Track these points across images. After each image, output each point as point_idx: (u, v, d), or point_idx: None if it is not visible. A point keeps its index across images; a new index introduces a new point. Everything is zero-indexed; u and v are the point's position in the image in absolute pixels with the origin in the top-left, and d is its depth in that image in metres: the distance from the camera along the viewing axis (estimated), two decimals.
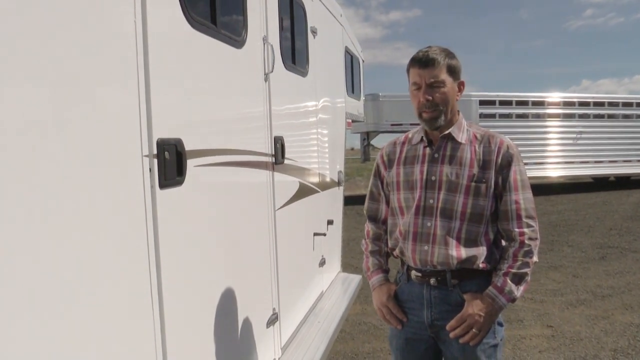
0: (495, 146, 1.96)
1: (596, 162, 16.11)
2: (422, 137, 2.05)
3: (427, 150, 2.03)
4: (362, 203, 2.38)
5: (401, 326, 2.08)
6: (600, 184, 17.69)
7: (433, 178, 1.97)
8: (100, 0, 1.38)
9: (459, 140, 1.98)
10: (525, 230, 1.92)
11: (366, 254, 2.24)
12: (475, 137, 2.00)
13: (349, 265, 6.27)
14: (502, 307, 1.93)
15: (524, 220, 1.93)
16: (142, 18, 1.52)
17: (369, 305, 5.40)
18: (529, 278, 1.94)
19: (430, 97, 1.92)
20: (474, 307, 1.91)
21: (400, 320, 2.08)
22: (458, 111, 2.05)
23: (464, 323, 1.92)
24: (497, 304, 1.91)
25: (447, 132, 1.99)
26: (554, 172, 15.87)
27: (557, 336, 4.45)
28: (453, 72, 1.95)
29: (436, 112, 1.94)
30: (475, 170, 1.94)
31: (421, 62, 1.92)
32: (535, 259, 1.93)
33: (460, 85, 2.01)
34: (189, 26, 1.81)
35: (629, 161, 16.39)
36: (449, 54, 1.95)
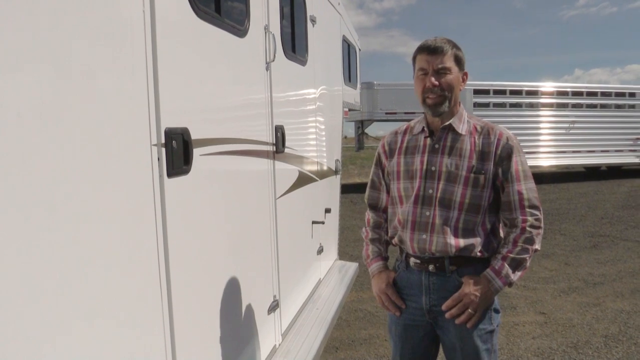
0: (494, 138, 1.99)
1: (588, 151, 16.21)
2: (424, 127, 2.08)
3: (428, 140, 2.05)
4: (356, 192, 2.42)
5: (400, 313, 2.12)
6: (592, 173, 17.84)
7: (433, 168, 2.01)
8: None
9: (460, 131, 2.01)
10: (529, 218, 1.96)
11: (366, 242, 2.28)
12: (476, 128, 2.03)
13: (344, 253, 6.33)
14: (498, 290, 1.97)
15: (527, 209, 1.96)
16: (151, 7, 1.53)
17: (364, 293, 5.47)
18: (527, 264, 1.97)
19: (437, 83, 1.95)
20: (470, 287, 1.95)
21: (399, 307, 2.12)
22: (459, 102, 2.08)
23: (460, 302, 1.95)
24: (493, 286, 1.95)
25: (448, 123, 2.02)
26: (546, 161, 15.97)
27: (549, 323, 4.53)
28: (459, 62, 1.99)
29: (441, 98, 1.97)
30: (475, 161, 1.97)
31: (430, 49, 1.96)
32: (536, 246, 1.96)
33: (464, 76, 2.04)
34: (194, 15, 1.81)
35: (621, 151, 16.52)
36: (455, 45, 2.00)
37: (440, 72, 1.96)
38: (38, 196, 1.12)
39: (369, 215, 2.30)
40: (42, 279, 1.13)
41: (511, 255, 1.95)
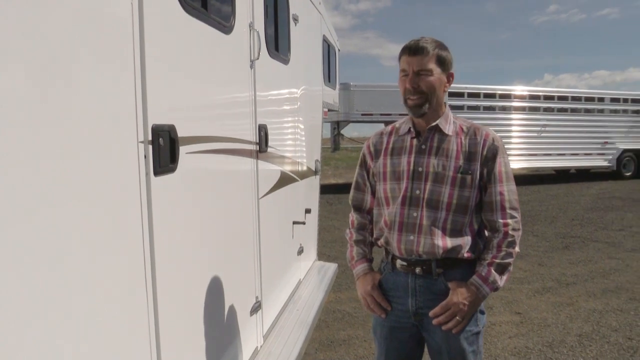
0: (480, 138, 2.00)
1: (559, 154, 16.58)
2: (410, 128, 2.07)
3: (415, 141, 2.05)
4: (331, 192, 2.40)
5: (385, 315, 2.11)
6: (562, 176, 18.26)
7: (420, 169, 2.00)
8: None
9: (446, 132, 2.01)
10: (509, 221, 1.97)
11: (350, 243, 2.25)
12: (462, 129, 2.03)
13: (321, 253, 6.31)
14: (485, 296, 1.98)
15: (508, 211, 1.98)
16: (139, 1, 1.48)
17: (342, 294, 5.46)
18: (511, 268, 1.99)
19: (415, 85, 1.94)
20: (458, 296, 1.95)
21: (385, 309, 2.11)
22: (445, 103, 2.07)
23: (448, 311, 1.96)
24: (480, 293, 1.96)
25: (434, 123, 2.02)
26: (518, 163, 16.27)
27: (525, 322, 4.60)
28: (442, 62, 1.97)
29: (421, 99, 1.96)
30: (461, 162, 1.98)
31: (411, 50, 1.95)
32: (517, 249, 1.98)
33: (450, 77, 2.03)
34: (182, 10, 1.77)
35: (590, 154, 16.94)
36: (440, 45, 1.98)
37: (421, 74, 1.94)
38: (21, 195, 1.07)
39: (353, 216, 2.27)
40: (24, 279, 1.08)
41: (496, 260, 1.96)
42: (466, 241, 1.99)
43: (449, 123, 2.03)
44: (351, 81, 14.76)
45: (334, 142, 16.25)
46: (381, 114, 14.20)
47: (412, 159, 2.02)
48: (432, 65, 1.95)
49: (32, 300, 1.10)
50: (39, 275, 1.12)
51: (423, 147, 2.02)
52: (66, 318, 1.22)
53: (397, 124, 2.17)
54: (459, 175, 1.96)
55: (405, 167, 2.02)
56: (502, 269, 1.96)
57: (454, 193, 1.96)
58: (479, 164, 1.98)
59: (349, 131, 16.34)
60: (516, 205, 2.01)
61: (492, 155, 1.98)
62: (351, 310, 4.94)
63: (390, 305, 2.10)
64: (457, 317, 1.95)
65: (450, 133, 2.01)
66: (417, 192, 1.99)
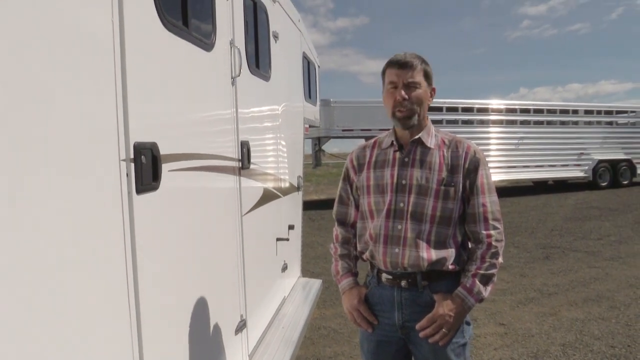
0: (462, 151, 2.03)
1: (537, 166, 16.87)
2: (392, 141, 2.08)
3: (398, 154, 2.06)
4: (313, 209, 2.39)
5: (372, 329, 2.10)
6: (540, 187, 18.53)
7: (404, 182, 2.01)
8: (77, 0, 1.32)
9: (428, 145, 2.04)
10: (492, 232, 1.99)
11: (335, 258, 2.24)
12: (444, 142, 2.06)
13: (305, 270, 6.27)
14: (471, 307, 1.99)
15: (491, 222, 2.00)
16: (120, 18, 1.47)
17: (327, 310, 5.43)
18: (495, 278, 2.00)
19: (407, 96, 1.97)
20: (444, 308, 1.95)
21: (371, 323, 2.10)
22: (427, 117, 2.10)
23: (435, 323, 1.95)
24: (466, 305, 1.96)
25: (417, 137, 2.04)
26: (497, 176, 16.49)
27: (509, 333, 4.62)
28: (427, 77, 2.02)
29: (410, 111, 1.99)
30: (444, 174, 2.00)
31: (400, 63, 1.98)
32: (500, 260, 2.00)
33: (432, 92, 2.07)
34: (163, 28, 1.77)
35: (567, 165, 17.26)
36: (424, 60, 2.03)
37: (410, 86, 1.98)
38: (1, 213, 1.04)
39: (337, 231, 2.27)
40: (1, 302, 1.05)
41: (480, 272, 1.97)
42: (450, 253, 2.00)
43: (431, 136, 2.06)
44: (331, 97, 14.87)
45: (316, 158, 16.28)
46: (361, 129, 14.29)
47: (396, 172, 2.03)
48: (420, 79, 1.99)
49: (8, 328, 1.07)
50: (16, 300, 1.09)
51: (406, 159, 2.03)
52: (48, 340, 1.18)
53: (379, 138, 2.19)
54: (442, 187, 1.98)
55: (389, 180, 2.03)
56: (486, 280, 1.97)
57: (438, 205, 1.98)
58: (461, 176, 2.00)
59: (329, 147, 16.43)
60: (498, 216, 2.03)
61: (474, 167, 2.01)
62: (337, 326, 4.91)
63: (377, 320, 2.09)
64: (444, 330, 1.95)
65: (432, 146, 2.04)
66: (401, 204, 2.00)
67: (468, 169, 2.01)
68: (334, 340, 4.61)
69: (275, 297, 3.67)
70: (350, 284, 2.18)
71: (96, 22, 1.40)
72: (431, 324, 1.96)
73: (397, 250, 1.99)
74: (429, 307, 1.99)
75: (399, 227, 2.00)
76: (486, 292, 1.98)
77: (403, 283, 2.02)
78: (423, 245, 1.97)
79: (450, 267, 2.00)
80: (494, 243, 1.98)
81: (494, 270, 1.98)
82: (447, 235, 2.00)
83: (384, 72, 2.06)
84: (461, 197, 2.01)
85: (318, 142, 15.84)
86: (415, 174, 2.00)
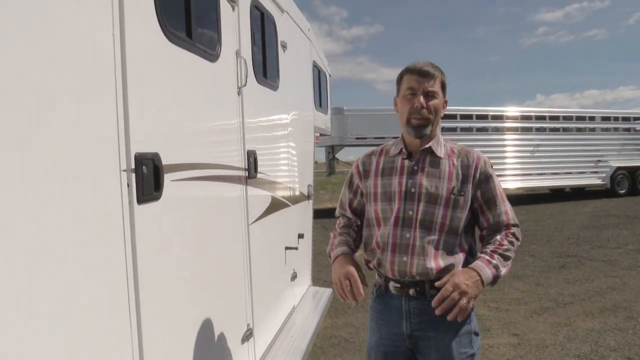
0: (472, 161, 2.02)
1: (552, 174, 16.66)
2: (402, 148, 2.07)
3: (406, 162, 2.05)
4: (328, 217, 2.38)
5: (356, 302, 1.98)
6: (557, 194, 18.29)
7: (413, 190, 2.00)
8: (78, 12, 1.35)
9: (438, 154, 2.03)
10: (513, 229, 2.03)
11: (333, 235, 2.20)
12: (453, 151, 2.06)
13: (317, 278, 6.26)
14: (487, 281, 1.88)
15: (512, 228, 2.04)
16: (120, 30, 1.50)
17: (339, 319, 5.40)
18: (510, 263, 1.96)
19: (425, 104, 1.97)
20: (459, 277, 1.85)
21: (355, 297, 1.96)
22: (437, 127, 2.10)
23: (452, 293, 1.83)
24: (483, 275, 1.87)
25: (427, 145, 2.03)
26: (513, 183, 16.33)
27: (523, 344, 4.55)
28: (444, 88, 2.04)
29: (426, 120, 1.99)
30: (454, 183, 1.99)
31: (421, 71, 1.99)
32: (514, 254, 1.98)
33: (445, 103, 2.08)
34: (165, 39, 1.79)
35: (583, 173, 17.02)
36: (442, 72, 2.04)
37: (429, 95, 1.98)
38: (3, 222, 1.06)
39: (340, 221, 2.25)
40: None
41: (499, 250, 1.94)
42: (458, 260, 1.98)
43: (441, 146, 2.06)
44: (345, 105, 14.90)
45: (329, 166, 16.31)
46: (375, 137, 14.28)
47: (404, 180, 2.02)
48: (438, 89, 2.00)
49: (8, 339, 1.08)
50: (15, 312, 1.10)
51: (415, 167, 2.03)
52: (47, 353, 1.19)
53: (386, 146, 2.19)
54: (452, 196, 1.98)
55: (397, 188, 2.02)
56: (504, 258, 1.94)
57: (447, 214, 1.97)
58: (471, 186, 2.00)
59: (343, 155, 16.44)
60: (517, 221, 2.07)
61: (484, 177, 2.02)
62: (348, 335, 4.88)
63: (363, 295, 1.97)
64: (463, 300, 1.83)
65: (442, 155, 2.04)
66: (410, 212, 1.99)
67: (479, 180, 2.01)
68: (345, 349, 4.59)
69: (284, 306, 3.67)
70: (343, 251, 2.09)
71: (96, 35, 1.42)
72: (448, 295, 1.83)
73: (405, 258, 1.98)
74: (437, 316, 1.97)
75: (407, 235, 1.98)
76: (503, 268, 1.91)
77: (411, 291, 2.00)
78: (431, 253, 1.96)
79: None
80: (512, 232, 2.01)
81: (510, 254, 1.95)
82: (455, 244, 1.99)
83: (400, 78, 2.05)
84: (470, 207, 2.01)
85: (332, 150, 15.87)
86: (425, 182, 1.99)
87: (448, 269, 1.96)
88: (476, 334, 2.04)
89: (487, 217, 2.04)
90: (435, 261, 1.95)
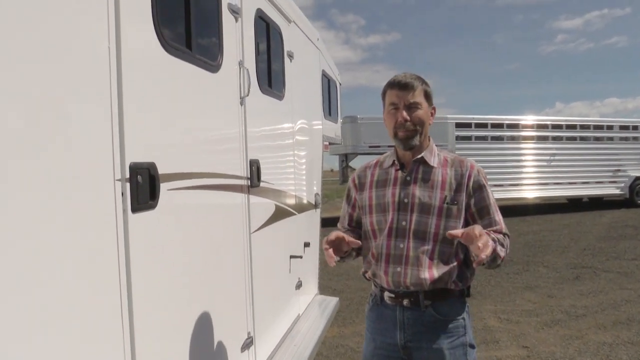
0: (466, 170, 2.02)
1: (570, 183, 16.43)
2: (394, 160, 2.09)
3: (399, 173, 2.06)
4: None
5: (334, 263, 1.93)
6: (574, 204, 18.02)
7: (406, 200, 2.01)
8: (74, 23, 1.38)
9: (431, 163, 2.04)
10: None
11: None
12: (446, 160, 2.06)
13: (326, 287, 6.25)
14: (494, 248, 1.82)
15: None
16: (117, 42, 1.53)
17: (346, 328, 5.38)
18: (503, 256, 1.92)
19: (408, 117, 1.97)
20: (475, 228, 1.78)
21: (331, 258, 1.89)
22: (429, 137, 2.10)
23: (482, 238, 1.74)
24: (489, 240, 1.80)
25: (419, 156, 2.04)
26: (529, 193, 16.13)
27: (532, 357, 4.48)
28: (428, 97, 2.04)
29: (412, 132, 1.99)
30: (447, 192, 1.99)
31: (400, 84, 1.99)
32: (504, 254, 1.94)
33: (433, 111, 2.08)
34: (163, 50, 1.82)
35: (601, 182, 16.75)
36: (424, 81, 2.04)
37: (412, 107, 1.99)
38: None
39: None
40: None
41: (495, 237, 1.91)
42: (452, 270, 1.98)
43: (434, 155, 2.06)
44: (360, 114, 14.90)
45: (343, 175, 16.29)
46: (388, 146, 14.22)
47: (397, 191, 2.03)
48: (421, 99, 2.01)
49: (4, 347, 1.10)
50: (9, 321, 1.12)
51: (408, 178, 2.03)
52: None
53: (381, 158, 2.21)
54: (445, 205, 1.98)
55: (390, 199, 2.04)
56: (500, 244, 1.91)
57: (441, 224, 1.97)
58: (464, 195, 2.00)
59: (357, 163, 16.43)
60: (508, 232, 2.05)
61: (478, 186, 2.02)
62: (354, 345, 4.86)
63: (338, 259, 1.94)
64: (490, 242, 1.78)
65: (435, 165, 2.04)
66: (404, 223, 2.00)
67: (473, 188, 2.01)
68: (351, 359, 4.57)
69: (288, 314, 3.67)
70: (337, 229, 2.15)
71: (92, 46, 1.45)
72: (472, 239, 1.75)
73: (399, 269, 1.99)
74: (432, 327, 1.97)
75: (401, 245, 1.99)
76: (501, 252, 1.89)
77: (405, 302, 2.00)
78: (425, 263, 1.96)
79: (453, 285, 1.98)
80: (505, 235, 2.00)
81: (504, 249, 1.93)
82: (450, 254, 1.99)
83: (384, 94, 2.07)
84: (464, 216, 2.00)
85: (345, 159, 15.86)
86: (418, 192, 2.00)
87: (442, 279, 1.96)
88: (472, 347, 2.03)
89: (482, 226, 2.01)
90: (429, 271, 1.95)
